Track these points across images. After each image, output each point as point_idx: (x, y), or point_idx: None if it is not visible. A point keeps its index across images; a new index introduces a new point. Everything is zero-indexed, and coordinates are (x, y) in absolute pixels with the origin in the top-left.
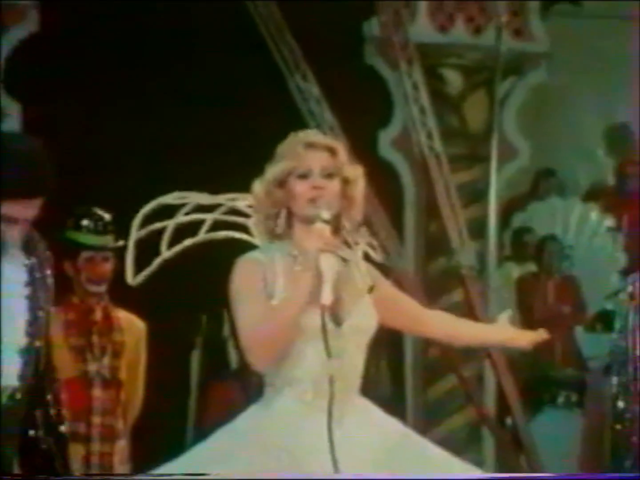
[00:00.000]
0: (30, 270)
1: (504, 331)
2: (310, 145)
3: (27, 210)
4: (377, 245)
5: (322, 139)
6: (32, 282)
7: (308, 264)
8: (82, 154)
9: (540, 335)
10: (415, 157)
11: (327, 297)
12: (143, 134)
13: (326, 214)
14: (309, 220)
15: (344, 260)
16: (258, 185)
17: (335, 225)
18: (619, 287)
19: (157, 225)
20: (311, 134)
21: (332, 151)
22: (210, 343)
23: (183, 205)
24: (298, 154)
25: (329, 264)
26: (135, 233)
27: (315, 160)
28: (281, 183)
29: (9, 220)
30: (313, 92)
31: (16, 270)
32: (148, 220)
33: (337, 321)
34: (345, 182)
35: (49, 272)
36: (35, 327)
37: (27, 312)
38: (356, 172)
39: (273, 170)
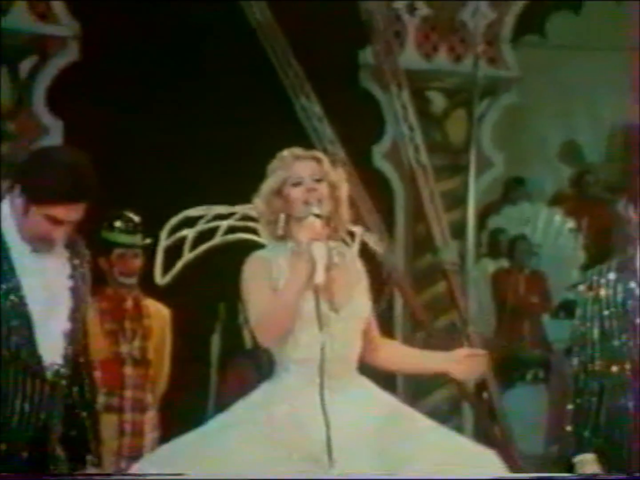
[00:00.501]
0: (73, 267)
1: (447, 363)
2: (298, 157)
3: (71, 213)
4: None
5: (306, 151)
6: (74, 276)
7: (303, 253)
8: (114, 164)
9: (476, 371)
10: (404, 167)
11: (319, 278)
12: (167, 149)
13: (317, 209)
14: (304, 219)
15: (340, 253)
16: (258, 198)
17: (327, 222)
18: (579, 280)
19: (181, 233)
20: (297, 149)
21: (317, 160)
22: (227, 328)
23: (202, 216)
24: (289, 165)
25: (320, 250)
26: (164, 241)
27: (304, 169)
28: (278, 192)
29: (56, 221)
30: (315, 111)
31: (61, 265)
32: (173, 227)
33: (335, 308)
34: (332, 186)
35: (87, 267)
36: (77, 314)
37: (70, 301)
38: (340, 176)
39: (270, 182)
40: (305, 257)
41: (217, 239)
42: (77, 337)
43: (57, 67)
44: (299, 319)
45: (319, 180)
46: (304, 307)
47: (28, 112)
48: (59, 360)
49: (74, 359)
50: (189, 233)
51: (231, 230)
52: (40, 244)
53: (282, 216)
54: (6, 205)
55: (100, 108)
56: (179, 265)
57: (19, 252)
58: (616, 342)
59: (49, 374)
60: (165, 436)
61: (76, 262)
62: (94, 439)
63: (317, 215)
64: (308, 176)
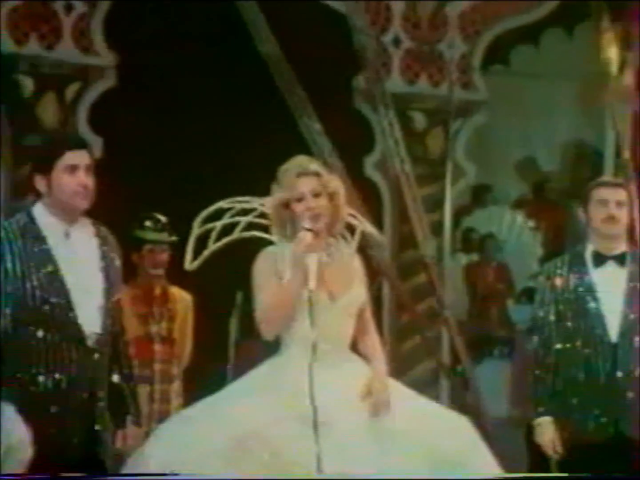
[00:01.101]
0: (103, 252)
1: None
2: (300, 175)
3: (80, 158)
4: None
5: (309, 167)
6: (105, 259)
7: (298, 261)
8: (146, 173)
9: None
10: (390, 176)
11: (312, 284)
12: (189, 160)
13: (308, 224)
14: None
15: (339, 250)
16: (270, 208)
17: (322, 234)
18: (538, 271)
19: (209, 225)
20: (301, 164)
21: (317, 175)
22: (243, 313)
23: (229, 208)
24: (293, 184)
25: (312, 260)
26: (197, 230)
27: (307, 185)
28: (286, 205)
29: (73, 168)
30: (316, 128)
31: (92, 251)
32: (204, 219)
33: (333, 298)
34: (331, 195)
35: (116, 254)
36: (110, 293)
37: (103, 281)
38: (337, 185)
39: (278, 197)
40: (301, 266)
41: (235, 235)
42: (112, 313)
43: (97, 91)
44: (300, 308)
45: (317, 195)
46: (303, 299)
47: (71, 131)
48: (97, 330)
49: (111, 332)
50: (217, 225)
51: (248, 226)
52: (70, 212)
53: (290, 224)
54: (38, 206)
55: (134, 126)
56: (206, 253)
57: (54, 240)
58: (569, 324)
59: (90, 342)
60: (189, 403)
61: (105, 248)
62: (133, 402)
63: (309, 230)
64: (309, 192)
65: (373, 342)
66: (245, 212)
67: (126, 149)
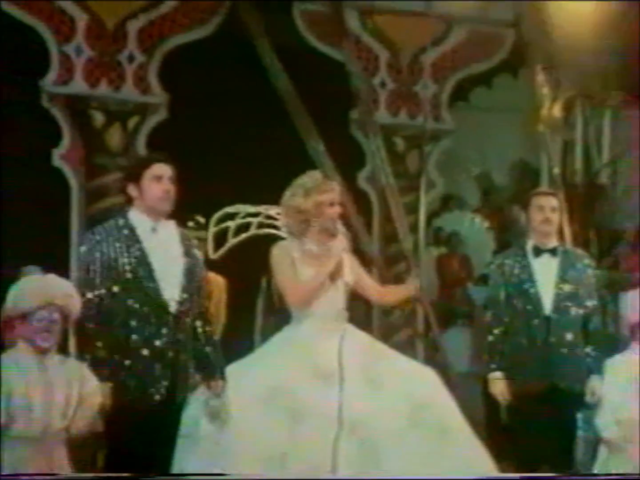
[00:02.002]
0: (185, 244)
1: (403, 289)
2: (328, 187)
3: (163, 170)
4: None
5: (332, 182)
6: (186, 248)
7: (326, 254)
8: (191, 184)
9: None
10: (378, 187)
11: (348, 277)
12: (223, 172)
13: (340, 227)
14: (329, 230)
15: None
16: (284, 210)
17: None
18: (491, 261)
19: (225, 224)
20: (317, 179)
21: (334, 190)
22: (267, 295)
23: (237, 212)
24: (324, 192)
25: (346, 258)
26: (212, 229)
27: (334, 195)
28: (302, 211)
29: (159, 177)
30: (320, 149)
31: (173, 239)
32: (217, 219)
33: (333, 279)
34: (342, 203)
35: (195, 246)
36: (190, 272)
37: (183, 264)
38: (342, 197)
39: (298, 202)
40: (333, 259)
41: (252, 232)
42: (192, 289)
43: (153, 123)
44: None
45: (338, 204)
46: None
47: (134, 154)
48: (176, 297)
49: (192, 303)
50: (232, 224)
51: (260, 225)
52: (156, 212)
53: (299, 226)
54: (132, 209)
55: (180, 148)
56: (226, 247)
57: (143, 233)
58: (514, 301)
59: (172, 308)
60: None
61: (187, 242)
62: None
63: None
64: (336, 201)
65: (371, 283)
66: (251, 215)
67: (175, 166)
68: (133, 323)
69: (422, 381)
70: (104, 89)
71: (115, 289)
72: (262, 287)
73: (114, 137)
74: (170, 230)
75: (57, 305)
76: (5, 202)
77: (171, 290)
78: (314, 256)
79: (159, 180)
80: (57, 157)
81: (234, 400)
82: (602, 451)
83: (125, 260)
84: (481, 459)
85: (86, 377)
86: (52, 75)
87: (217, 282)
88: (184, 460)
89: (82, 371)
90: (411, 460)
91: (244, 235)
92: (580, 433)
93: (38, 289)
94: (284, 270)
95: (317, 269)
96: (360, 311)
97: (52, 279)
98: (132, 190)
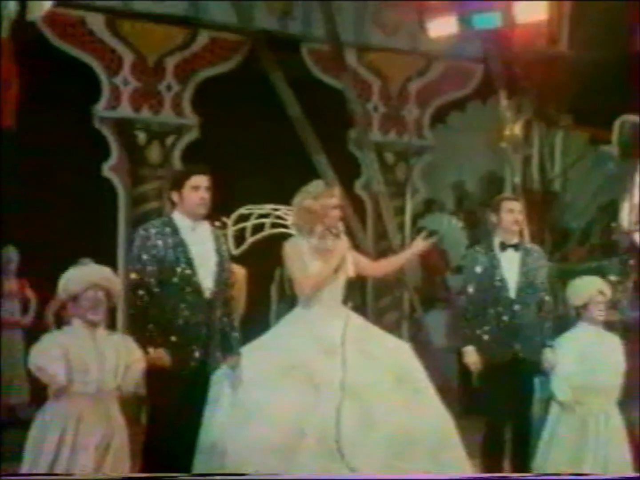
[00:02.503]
0: (217, 241)
1: (413, 245)
2: (334, 193)
3: (201, 180)
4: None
5: (336, 189)
6: (218, 244)
7: (332, 250)
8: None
9: (425, 245)
10: (372, 193)
11: (351, 272)
12: (244, 179)
13: (343, 228)
14: (332, 229)
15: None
16: (296, 210)
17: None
18: (465, 254)
19: (242, 225)
20: (320, 186)
21: (336, 195)
22: (281, 283)
23: (251, 213)
24: (331, 197)
25: (349, 255)
26: (230, 228)
27: (339, 200)
28: (312, 211)
29: (197, 187)
30: (323, 161)
31: (208, 237)
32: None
33: (336, 272)
34: (341, 207)
35: (226, 243)
36: (220, 264)
37: (215, 257)
38: (342, 201)
39: (308, 204)
40: (337, 256)
41: (266, 231)
42: (222, 279)
43: (186, 141)
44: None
45: (337, 207)
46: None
47: (170, 166)
48: (211, 286)
49: (221, 291)
50: (248, 225)
51: (273, 225)
52: (193, 214)
53: (307, 225)
54: (175, 212)
55: (209, 161)
56: (245, 245)
57: (184, 231)
58: (485, 288)
59: (206, 294)
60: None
61: (219, 240)
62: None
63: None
64: (338, 204)
65: (374, 264)
66: (262, 215)
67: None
68: (176, 305)
69: (403, 355)
70: (146, 113)
71: (162, 276)
72: (275, 278)
73: (154, 153)
74: (205, 229)
75: (101, 287)
76: (63, 207)
77: (206, 280)
78: (319, 251)
79: (197, 190)
80: (107, 169)
81: (255, 372)
82: (554, 410)
83: (170, 252)
84: (442, 411)
85: (131, 347)
86: (103, 102)
87: (239, 273)
88: (210, 422)
89: (127, 342)
90: (395, 414)
91: (260, 235)
92: (537, 395)
93: (83, 275)
94: (295, 263)
95: (324, 264)
96: (356, 298)
97: (94, 266)
98: (175, 196)
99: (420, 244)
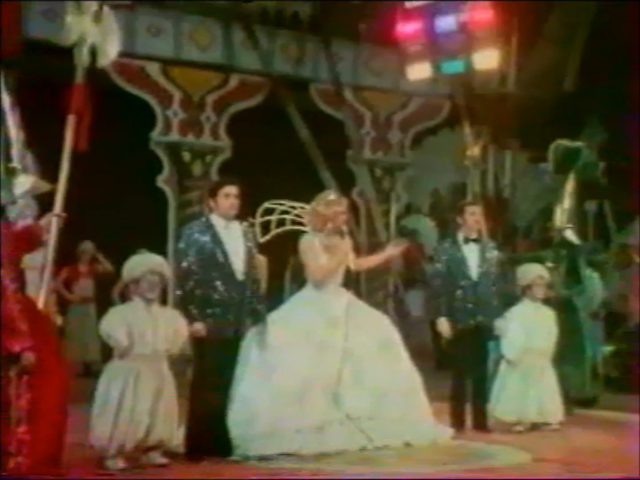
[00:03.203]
0: (245, 232)
1: (387, 250)
2: (341, 200)
3: (231, 189)
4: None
5: (343, 197)
6: (246, 238)
7: (337, 246)
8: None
9: (396, 249)
10: (364, 199)
11: (352, 265)
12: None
13: (347, 229)
14: (339, 230)
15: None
16: (309, 214)
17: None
18: (436, 247)
19: (267, 218)
20: (331, 195)
21: (344, 203)
22: (293, 269)
23: (274, 209)
24: (338, 204)
25: (351, 253)
26: (258, 219)
27: (344, 206)
28: (322, 214)
29: (228, 194)
30: (326, 174)
31: (239, 232)
32: (261, 213)
33: (340, 264)
34: (347, 212)
35: (253, 237)
36: (248, 253)
37: (244, 248)
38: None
39: (321, 209)
40: (342, 251)
41: (287, 227)
42: (250, 265)
43: (221, 159)
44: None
45: (344, 213)
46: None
47: (208, 179)
48: (241, 270)
49: (249, 274)
50: (272, 218)
51: (293, 222)
52: (226, 216)
53: (319, 225)
54: (213, 216)
55: (242, 175)
56: (269, 235)
57: (219, 229)
58: (453, 272)
59: (238, 276)
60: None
61: (248, 235)
62: (262, 313)
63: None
64: (345, 210)
65: (359, 260)
66: (284, 212)
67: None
68: (214, 285)
69: (385, 326)
70: (190, 137)
71: (202, 264)
72: (289, 264)
73: (196, 168)
74: (236, 227)
75: (156, 272)
76: (127, 210)
77: (238, 265)
78: (327, 247)
79: (228, 197)
80: (160, 181)
81: (276, 337)
82: (504, 365)
83: (209, 245)
84: (412, 369)
85: (178, 318)
86: (157, 130)
87: (262, 260)
88: (241, 376)
89: (175, 315)
90: (378, 371)
91: (281, 229)
92: (491, 354)
93: (142, 262)
94: (309, 255)
95: (332, 257)
96: (352, 282)
97: (150, 256)
98: (212, 202)
99: (392, 250)
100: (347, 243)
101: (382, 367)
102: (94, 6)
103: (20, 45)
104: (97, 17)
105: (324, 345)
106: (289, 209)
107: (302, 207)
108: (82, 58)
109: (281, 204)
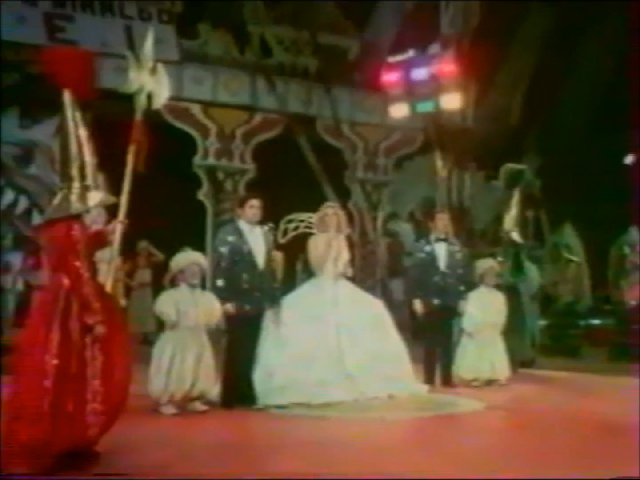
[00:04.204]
0: (266, 238)
1: None
2: (337, 210)
3: (256, 202)
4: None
5: (336, 209)
6: (266, 240)
7: (338, 245)
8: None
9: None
10: (358, 209)
11: (345, 255)
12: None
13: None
14: (340, 231)
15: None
16: (316, 220)
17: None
18: (413, 244)
19: (287, 225)
20: (333, 205)
21: (339, 213)
22: (303, 262)
23: (293, 219)
24: (335, 213)
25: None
26: (282, 225)
27: (336, 214)
28: (323, 221)
29: (252, 206)
30: (329, 190)
31: (260, 234)
32: (285, 222)
33: (340, 255)
34: (342, 218)
35: (271, 239)
36: (268, 252)
37: (264, 248)
38: (343, 215)
39: (323, 216)
40: (337, 247)
41: (300, 230)
42: (268, 259)
43: (247, 178)
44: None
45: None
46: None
47: (237, 193)
48: (262, 263)
49: (268, 266)
50: (290, 225)
51: (306, 227)
52: (251, 221)
53: (324, 228)
54: (240, 222)
55: (262, 190)
56: (287, 237)
57: (246, 232)
58: (426, 264)
59: (259, 268)
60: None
61: (269, 238)
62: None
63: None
64: (344, 217)
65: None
66: (300, 220)
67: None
68: (241, 275)
69: (377, 307)
70: (223, 161)
71: (232, 258)
72: (300, 258)
73: (228, 185)
74: (258, 230)
75: (197, 264)
76: (175, 216)
77: (259, 260)
78: (327, 242)
79: (252, 208)
80: (201, 195)
81: (289, 316)
82: (464, 337)
83: (237, 244)
84: (399, 340)
85: (214, 299)
86: (198, 156)
87: (278, 256)
88: (262, 347)
89: (211, 297)
90: (371, 342)
91: (297, 232)
92: (455, 328)
93: (186, 257)
94: (312, 248)
95: (327, 249)
96: (348, 272)
97: (192, 252)
98: (239, 211)
99: None
100: (343, 240)
101: (373, 336)
102: (150, 63)
103: (96, 92)
104: (153, 71)
105: (325, 320)
106: (303, 219)
107: (310, 217)
108: (141, 102)
109: (298, 216)
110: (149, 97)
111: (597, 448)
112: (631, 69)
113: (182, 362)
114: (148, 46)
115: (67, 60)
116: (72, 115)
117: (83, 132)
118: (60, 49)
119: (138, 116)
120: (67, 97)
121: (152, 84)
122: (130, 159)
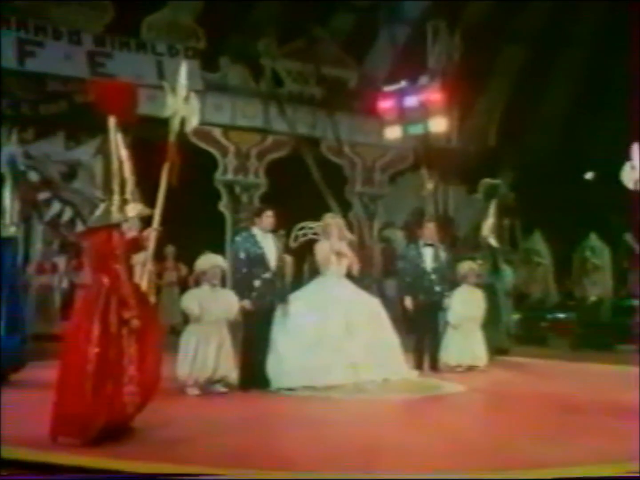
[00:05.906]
0: (276, 245)
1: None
2: (337, 225)
3: (270, 212)
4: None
5: (340, 218)
6: (277, 245)
7: (339, 249)
8: (278, 216)
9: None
10: (357, 219)
11: (348, 259)
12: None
13: (350, 235)
14: (343, 238)
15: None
16: (321, 227)
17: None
18: (405, 249)
19: (299, 232)
20: (334, 219)
21: (340, 224)
22: (310, 264)
23: (303, 227)
24: (337, 223)
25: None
26: (294, 233)
27: (338, 225)
28: (327, 231)
29: (267, 216)
30: (332, 202)
31: (272, 240)
32: (296, 229)
33: (341, 255)
34: (342, 227)
35: (281, 242)
36: (278, 257)
37: (275, 253)
38: (342, 224)
39: (327, 224)
40: (335, 251)
41: (309, 236)
42: (279, 262)
43: (260, 192)
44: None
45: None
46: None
47: (252, 205)
48: (273, 266)
49: (279, 268)
50: (301, 232)
51: (313, 234)
52: (265, 229)
53: (326, 235)
54: (255, 229)
55: (273, 202)
56: (298, 242)
57: (260, 238)
58: (414, 267)
59: (271, 269)
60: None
61: (278, 244)
62: (286, 294)
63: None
64: (340, 228)
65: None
66: (309, 228)
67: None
68: (255, 276)
69: (374, 304)
70: (240, 177)
71: (248, 261)
72: (307, 260)
73: (244, 197)
74: (270, 237)
75: (218, 266)
76: (199, 225)
77: (271, 262)
78: (331, 246)
79: (268, 217)
80: (221, 206)
81: (296, 309)
82: (449, 329)
83: (253, 249)
84: (393, 333)
85: (232, 296)
86: (219, 172)
87: (288, 259)
88: (275, 335)
89: (231, 294)
90: (369, 333)
91: (306, 237)
92: (441, 321)
93: (208, 260)
94: (317, 250)
95: (329, 251)
96: (349, 272)
97: (213, 255)
98: (257, 220)
99: None
100: (345, 245)
101: (371, 328)
102: (184, 92)
103: (136, 117)
104: (186, 99)
105: (329, 314)
106: (312, 227)
107: (318, 225)
108: (175, 126)
109: (308, 224)
110: (182, 121)
111: (561, 422)
112: (590, 95)
113: (205, 351)
114: (182, 77)
115: (114, 91)
116: (115, 138)
117: (124, 152)
118: (108, 82)
119: (172, 138)
120: (111, 122)
121: (185, 110)
122: (164, 175)
